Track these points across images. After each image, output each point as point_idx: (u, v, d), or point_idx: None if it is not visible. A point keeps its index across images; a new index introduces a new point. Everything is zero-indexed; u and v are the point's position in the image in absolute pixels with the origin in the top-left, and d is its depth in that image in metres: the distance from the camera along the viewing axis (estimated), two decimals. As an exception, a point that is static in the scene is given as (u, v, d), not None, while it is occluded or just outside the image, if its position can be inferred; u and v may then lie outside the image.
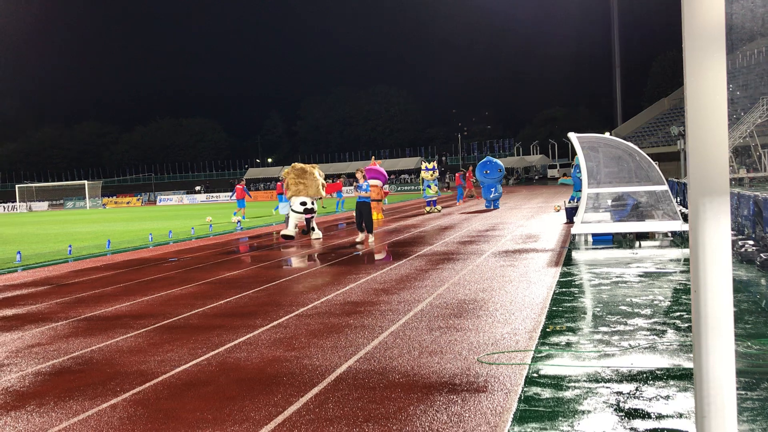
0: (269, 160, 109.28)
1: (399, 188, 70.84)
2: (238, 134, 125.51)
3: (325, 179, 17.80)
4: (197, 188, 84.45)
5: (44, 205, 76.88)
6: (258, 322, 7.36)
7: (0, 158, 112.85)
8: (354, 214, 16.46)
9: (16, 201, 74.25)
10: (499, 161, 28.48)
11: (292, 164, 17.62)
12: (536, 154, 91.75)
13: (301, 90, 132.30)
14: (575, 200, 21.11)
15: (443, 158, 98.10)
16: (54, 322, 7.97)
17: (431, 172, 27.05)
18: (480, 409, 4.30)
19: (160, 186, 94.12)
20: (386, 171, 27.88)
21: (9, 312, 8.87)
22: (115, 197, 79.70)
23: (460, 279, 9.64)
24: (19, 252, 16.03)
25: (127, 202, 76.43)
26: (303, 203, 17.04)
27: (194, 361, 5.83)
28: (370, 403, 4.52)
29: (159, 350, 6.32)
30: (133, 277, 11.69)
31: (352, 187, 20.05)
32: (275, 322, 7.29)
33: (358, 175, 16.15)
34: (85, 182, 77.56)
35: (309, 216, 17.28)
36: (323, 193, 17.52)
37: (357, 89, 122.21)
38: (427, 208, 27.00)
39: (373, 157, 33.07)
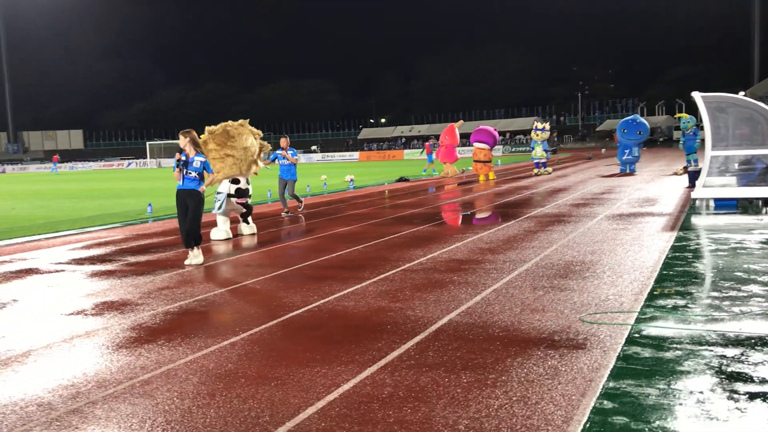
0: (382, 120, 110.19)
1: (514, 149, 69.64)
2: (353, 95, 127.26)
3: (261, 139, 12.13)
4: (313, 148, 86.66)
5: (171, 161, 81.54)
6: (366, 274, 7.68)
7: (131, 117, 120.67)
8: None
9: (146, 157, 79.37)
10: (644, 121, 25.37)
11: (208, 128, 11.59)
12: (661, 114, 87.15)
13: (416, 50, 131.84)
14: (693, 163, 20.03)
15: (561, 118, 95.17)
16: (180, 269, 8.66)
17: (541, 132, 26.20)
18: (576, 364, 4.37)
19: (278, 145, 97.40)
20: (499, 132, 27.36)
21: (142, 258, 9.69)
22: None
23: (569, 241, 9.55)
24: (150, 204, 17.26)
25: (249, 160, 79.57)
26: (235, 181, 11.38)
27: (306, 308, 6.21)
28: (468, 354, 4.69)
29: (275, 296, 6.76)
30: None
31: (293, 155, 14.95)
32: (382, 276, 7.57)
33: (283, 143, 14.75)
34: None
35: (242, 201, 11.56)
36: (260, 164, 12.10)
37: (472, 47, 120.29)
38: (536, 170, 26.34)
39: (461, 120, 32.51)
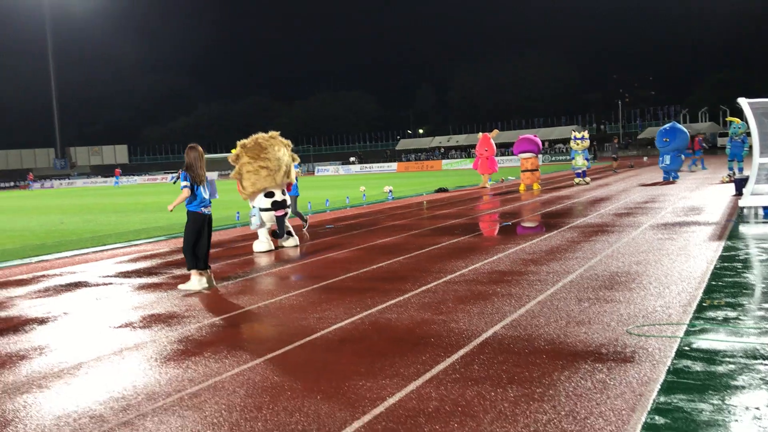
0: (420, 131, 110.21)
1: (553, 158, 68.95)
2: (390, 106, 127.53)
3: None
4: (351, 159, 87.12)
5: (214, 174, 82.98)
6: (408, 286, 7.67)
7: (174, 132, 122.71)
8: None
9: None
10: (678, 128, 25.02)
11: (240, 142, 11.52)
12: (705, 121, 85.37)
13: (453, 60, 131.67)
14: (736, 171, 19.56)
15: (602, 126, 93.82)
16: (224, 281, 8.77)
17: (580, 141, 25.96)
18: (625, 378, 4.29)
19: (317, 157, 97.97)
20: (539, 140, 26.94)
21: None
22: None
23: (613, 251, 9.41)
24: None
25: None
26: (270, 195, 11.37)
27: (349, 320, 6.23)
28: (514, 367, 4.65)
29: (317, 308, 6.80)
30: (294, 242, 12.47)
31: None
32: (424, 287, 7.56)
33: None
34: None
35: (281, 213, 11.51)
36: (293, 176, 12.11)
37: (509, 56, 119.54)
38: (576, 180, 26.01)
39: (496, 130, 31.98)
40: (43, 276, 10.01)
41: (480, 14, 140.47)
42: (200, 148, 8.53)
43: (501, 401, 4.03)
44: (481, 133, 30.02)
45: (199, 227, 8.34)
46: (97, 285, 8.98)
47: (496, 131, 30.60)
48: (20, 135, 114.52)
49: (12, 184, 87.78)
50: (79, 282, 9.29)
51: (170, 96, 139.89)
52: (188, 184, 8.27)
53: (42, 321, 6.97)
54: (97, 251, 12.63)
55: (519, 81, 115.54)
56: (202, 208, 8.39)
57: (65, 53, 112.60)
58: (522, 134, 28.73)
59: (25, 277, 10.03)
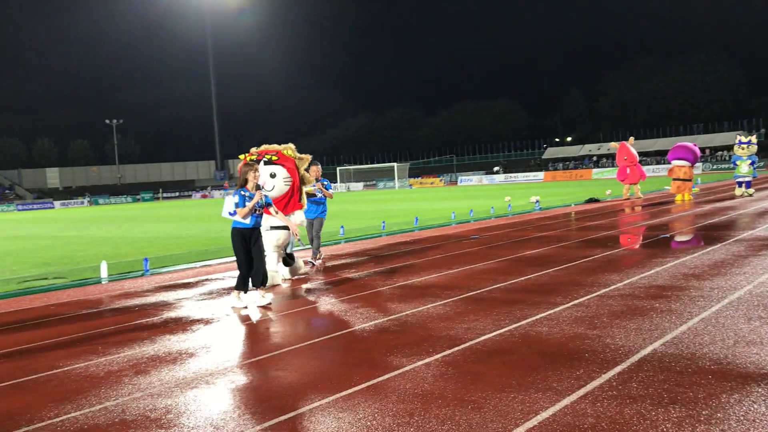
0: (568, 139, 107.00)
1: (714, 167, 64.45)
2: (536, 113, 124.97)
3: None
4: (495, 169, 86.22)
5: (360, 185, 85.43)
6: (558, 299, 7.47)
7: (324, 144, 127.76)
8: None
9: (337, 182, 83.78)
10: None
11: (285, 147, 10.17)
12: None
13: (604, 65, 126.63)
14: None
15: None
16: (373, 288, 8.98)
17: (746, 146, 23.61)
18: (807, 406, 3.92)
19: (460, 167, 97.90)
20: (700, 148, 25.03)
21: (337, 277, 10.18)
22: (420, 178, 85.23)
23: (786, 266, 8.63)
24: (342, 226, 18.13)
25: (431, 183, 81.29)
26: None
27: (497, 331, 6.16)
28: (676, 386, 4.38)
29: (465, 319, 6.79)
30: (439, 252, 12.55)
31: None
32: (576, 301, 7.32)
33: (315, 173, 11.19)
34: (395, 164, 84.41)
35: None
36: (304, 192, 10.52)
37: (666, 59, 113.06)
38: (738, 191, 23.54)
39: (632, 138, 29.46)
40: (207, 280, 10.76)
41: (632, 18, 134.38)
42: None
43: (663, 421, 3.82)
44: (615, 142, 28.49)
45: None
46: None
47: (632, 139, 28.61)
48: (185, 150, 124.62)
49: (177, 194, 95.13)
50: (240, 286, 9.86)
51: (319, 110, 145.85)
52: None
53: (207, 321, 7.50)
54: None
55: (677, 85, 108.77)
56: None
57: (225, 75, 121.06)
58: (679, 141, 26.94)
59: (191, 280, 10.83)
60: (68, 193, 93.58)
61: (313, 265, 11.47)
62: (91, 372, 5.64)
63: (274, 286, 9.55)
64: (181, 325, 7.42)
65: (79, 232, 25.62)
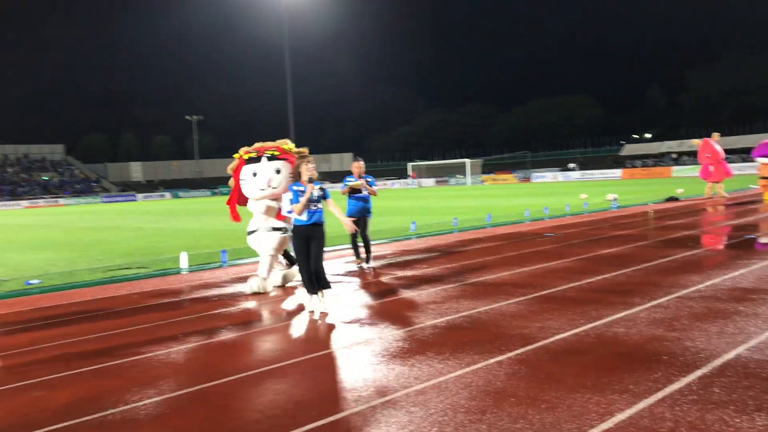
0: (647, 135, 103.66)
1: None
2: (614, 109, 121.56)
3: None
4: (570, 165, 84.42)
5: (431, 181, 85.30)
6: (636, 300, 7.27)
7: (397, 139, 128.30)
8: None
9: (407, 177, 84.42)
10: None
11: (283, 141, 9.64)
12: None
13: (685, 59, 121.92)
14: None
15: None
16: (445, 284, 8.97)
17: None
18: None
19: (534, 164, 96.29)
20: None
21: (408, 273, 10.22)
22: (493, 174, 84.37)
23: None
24: (413, 222, 18.16)
25: (504, 179, 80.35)
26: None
27: (572, 331, 6.06)
28: (762, 394, 4.21)
29: (538, 317, 6.70)
30: (512, 249, 12.40)
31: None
32: (654, 302, 7.11)
33: (357, 169, 10.99)
34: (467, 161, 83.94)
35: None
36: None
37: (752, 53, 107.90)
38: None
39: (717, 134, 27.32)
40: (283, 272, 10.98)
41: (717, 11, 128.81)
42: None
43: (747, 429, 3.68)
44: (697, 139, 27.23)
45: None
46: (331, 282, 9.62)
47: (716, 135, 26.87)
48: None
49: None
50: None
51: (393, 107, 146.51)
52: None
53: (282, 313, 7.67)
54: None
55: (764, 80, 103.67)
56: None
57: (300, 72, 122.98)
58: (766, 138, 25.60)
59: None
60: (150, 187, 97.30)
61: (363, 268, 11.01)
62: (172, 359, 5.87)
63: (264, 293, 9.09)
64: (258, 315, 7.61)
65: (159, 224, 26.63)
